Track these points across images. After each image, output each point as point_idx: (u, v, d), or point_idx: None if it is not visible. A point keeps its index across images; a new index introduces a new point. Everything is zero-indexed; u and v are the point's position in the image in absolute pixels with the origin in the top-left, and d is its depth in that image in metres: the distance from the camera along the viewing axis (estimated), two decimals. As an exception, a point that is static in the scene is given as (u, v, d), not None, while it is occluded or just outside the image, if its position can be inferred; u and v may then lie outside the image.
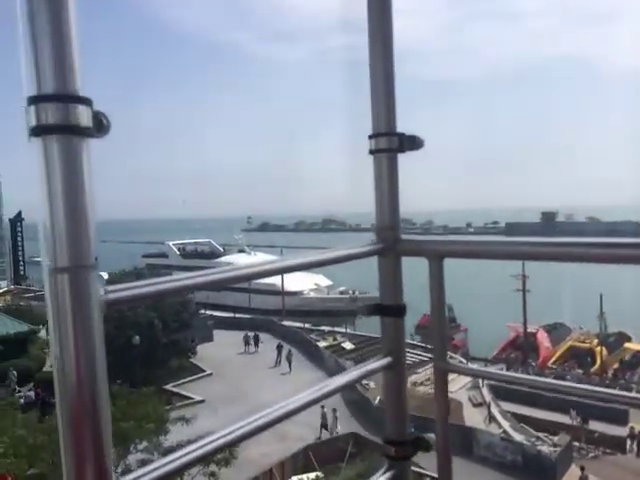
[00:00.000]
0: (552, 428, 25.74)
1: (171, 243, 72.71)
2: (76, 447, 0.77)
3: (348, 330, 43.51)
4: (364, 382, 30.42)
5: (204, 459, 0.94)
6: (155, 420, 12.38)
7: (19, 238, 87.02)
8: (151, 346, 30.07)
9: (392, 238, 1.39)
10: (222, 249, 69.82)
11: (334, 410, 23.68)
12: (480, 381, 30.27)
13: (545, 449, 22.82)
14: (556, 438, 24.25)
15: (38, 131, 0.76)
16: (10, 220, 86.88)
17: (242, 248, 67.31)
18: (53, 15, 0.75)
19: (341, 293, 55.26)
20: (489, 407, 27.21)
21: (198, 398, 28.40)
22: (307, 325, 44.28)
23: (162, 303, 31.90)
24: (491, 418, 26.42)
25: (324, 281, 57.89)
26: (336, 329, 43.68)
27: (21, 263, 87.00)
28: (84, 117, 0.77)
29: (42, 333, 39.29)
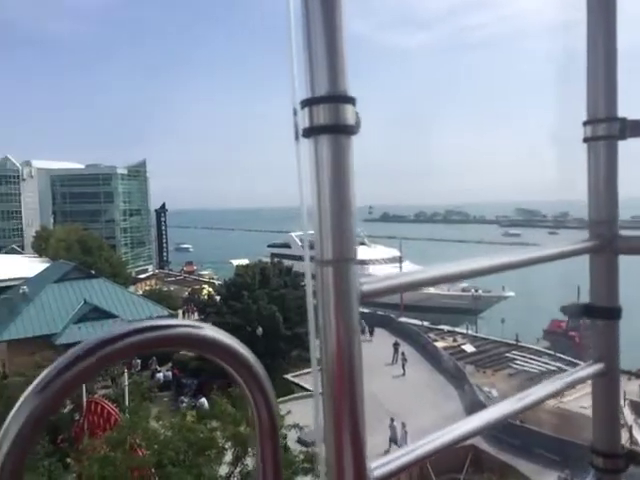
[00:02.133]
0: None
1: (294, 234, 75.66)
2: (337, 422, 0.82)
3: (469, 332, 41.71)
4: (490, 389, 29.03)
5: (439, 451, 0.98)
6: None
7: (163, 227, 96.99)
8: (273, 338, 31.59)
9: (609, 234, 1.31)
10: None
11: (403, 424, 22.88)
12: (622, 399, 27.23)
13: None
14: None
15: (310, 132, 0.79)
16: (156, 211, 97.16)
17: (362, 240, 67.74)
18: (327, 21, 0.78)
19: (463, 290, 53.07)
20: (630, 430, 24.34)
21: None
22: (425, 323, 43.18)
23: (284, 297, 33.34)
24: (632, 442, 23.59)
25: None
26: (456, 329, 42.13)
27: (165, 249, 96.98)
28: (350, 116, 0.79)
29: (179, 317, 43.50)
